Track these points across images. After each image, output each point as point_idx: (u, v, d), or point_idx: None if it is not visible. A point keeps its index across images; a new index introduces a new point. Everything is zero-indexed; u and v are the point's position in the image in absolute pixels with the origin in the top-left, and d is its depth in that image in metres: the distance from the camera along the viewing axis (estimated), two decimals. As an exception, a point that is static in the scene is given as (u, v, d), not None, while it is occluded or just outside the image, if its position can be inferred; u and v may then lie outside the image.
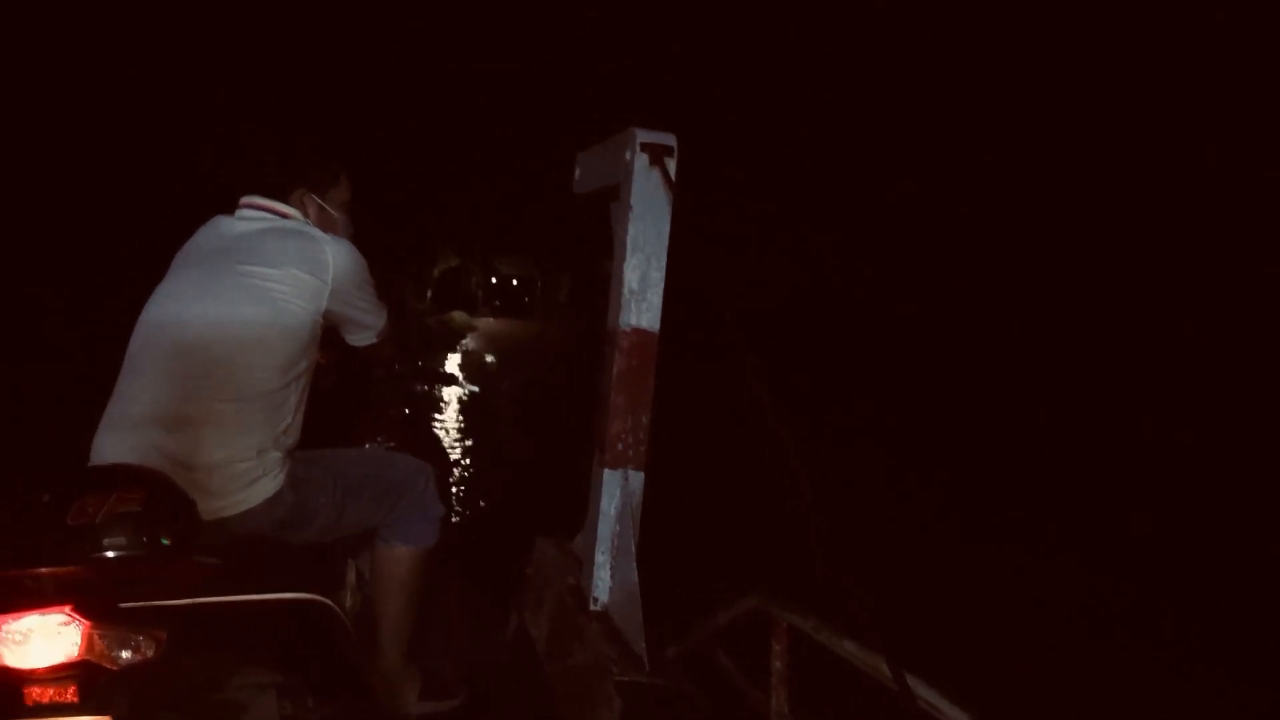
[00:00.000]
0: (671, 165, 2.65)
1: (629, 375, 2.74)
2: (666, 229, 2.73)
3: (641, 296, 2.74)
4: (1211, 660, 5.80)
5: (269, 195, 2.50)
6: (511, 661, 3.27)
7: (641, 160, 2.66)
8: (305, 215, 2.54)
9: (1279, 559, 7.79)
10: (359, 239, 2.62)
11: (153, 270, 2.51)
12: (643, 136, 2.65)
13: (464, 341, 28.00)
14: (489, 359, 24.45)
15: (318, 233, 2.44)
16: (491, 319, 42.01)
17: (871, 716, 2.27)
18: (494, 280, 50.12)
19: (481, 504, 8.29)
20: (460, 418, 13.13)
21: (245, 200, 2.50)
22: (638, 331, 2.74)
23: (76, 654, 1.70)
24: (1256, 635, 6.31)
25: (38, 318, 9.34)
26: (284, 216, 2.48)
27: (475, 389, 17.25)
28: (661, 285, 2.75)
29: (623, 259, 2.72)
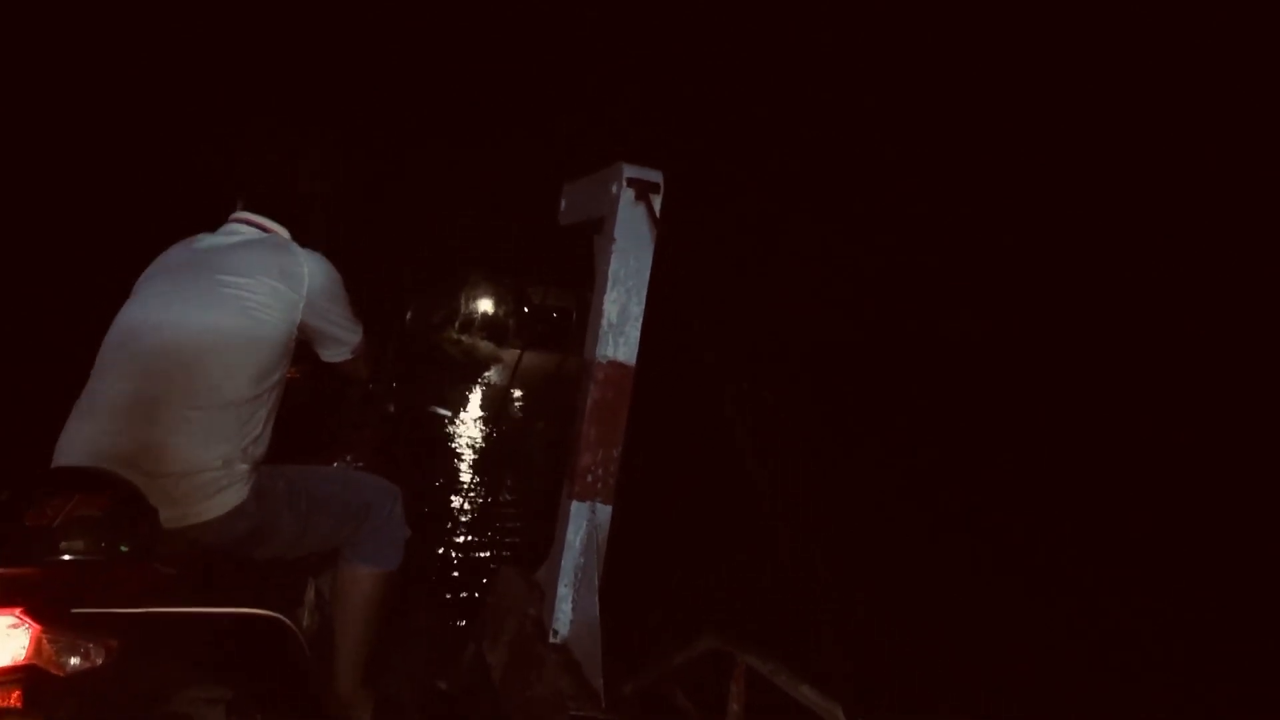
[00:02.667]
0: (657, 201, 2.67)
1: (602, 407, 2.74)
2: (649, 264, 2.74)
3: (620, 330, 2.74)
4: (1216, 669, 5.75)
5: (269, 214, 2.51)
6: (468, 691, 3.24)
7: (628, 195, 2.67)
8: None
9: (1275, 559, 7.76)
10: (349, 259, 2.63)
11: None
12: (629, 172, 2.67)
13: (487, 373, 27.88)
14: (484, 388, 24.38)
15: (295, 246, 2.45)
16: (519, 350, 40.55)
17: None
18: (526, 310, 48.92)
19: (452, 530, 8.24)
20: (448, 446, 13.02)
21: (238, 216, 2.51)
22: (614, 364, 2.74)
23: (24, 657, 1.67)
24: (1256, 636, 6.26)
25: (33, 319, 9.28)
26: (267, 231, 2.49)
27: (461, 415, 17.14)
28: (640, 320, 2.76)
29: (603, 292, 2.73)
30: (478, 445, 13.55)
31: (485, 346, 38.21)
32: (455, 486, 10.05)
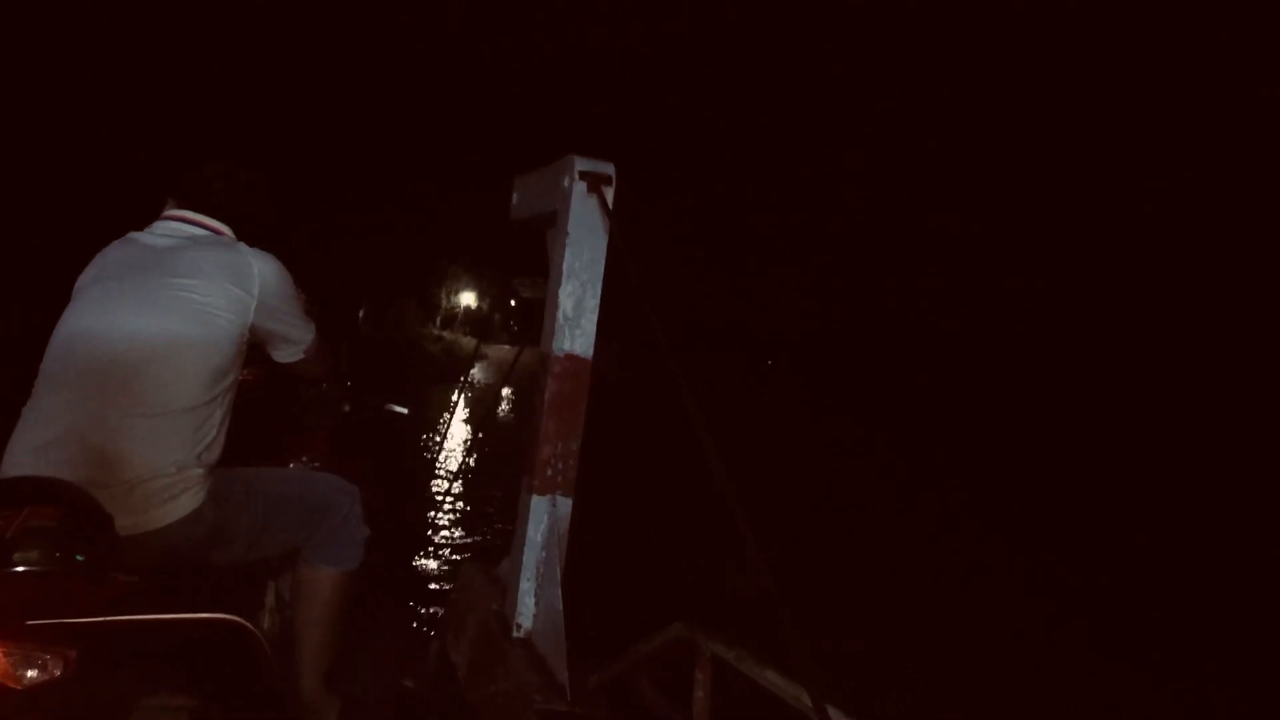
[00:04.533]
0: (609, 194, 2.67)
1: (561, 400, 2.75)
2: (602, 256, 2.74)
3: (576, 323, 2.75)
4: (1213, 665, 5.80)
5: (209, 213, 2.46)
6: (433, 688, 3.23)
7: (580, 188, 2.67)
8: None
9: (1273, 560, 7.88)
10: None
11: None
12: (581, 165, 2.67)
13: (471, 371, 27.42)
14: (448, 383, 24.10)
15: (243, 246, 2.41)
16: (508, 345, 37.35)
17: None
18: (513, 303, 47.57)
19: (414, 528, 8.19)
20: (413, 444, 12.90)
21: (174, 214, 2.45)
22: (570, 357, 2.75)
23: None
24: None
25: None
26: (215, 232, 2.44)
27: (444, 416, 16.97)
28: (596, 312, 2.76)
29: (558, 285, 2.73)
30: (445, 443, 13.46)
31: (468, 342, 37.52)
32: (418, 484, 9.99)
